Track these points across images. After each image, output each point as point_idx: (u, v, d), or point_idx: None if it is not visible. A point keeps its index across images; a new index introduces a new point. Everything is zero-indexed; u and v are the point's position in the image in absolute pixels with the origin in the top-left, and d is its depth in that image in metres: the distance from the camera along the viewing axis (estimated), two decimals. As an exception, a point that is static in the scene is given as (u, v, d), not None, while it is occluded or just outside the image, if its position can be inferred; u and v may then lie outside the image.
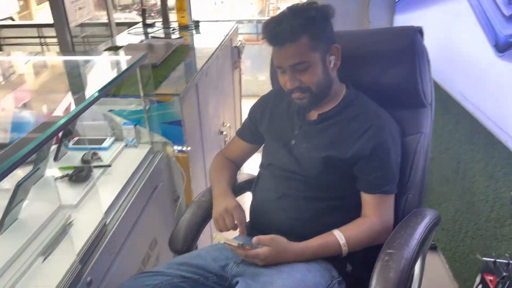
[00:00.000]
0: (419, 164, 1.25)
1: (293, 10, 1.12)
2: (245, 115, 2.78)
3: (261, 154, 1.40)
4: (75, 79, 1.30)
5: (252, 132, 1.39)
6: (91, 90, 1.04)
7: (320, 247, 1.11)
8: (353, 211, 1.19)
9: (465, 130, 1.76)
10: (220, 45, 2.10)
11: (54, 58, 1.62)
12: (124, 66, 1.22)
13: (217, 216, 1.22)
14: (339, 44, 1.17)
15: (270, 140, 1.32)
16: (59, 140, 1.31)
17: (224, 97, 2.25)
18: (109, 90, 1.07)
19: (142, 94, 1.41)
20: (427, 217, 1.13)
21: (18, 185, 0.91)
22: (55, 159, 1.31)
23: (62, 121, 0.90)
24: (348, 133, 1.17)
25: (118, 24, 3.41)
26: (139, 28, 2.56)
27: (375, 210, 1.15)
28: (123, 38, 2.36)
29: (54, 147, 1.34)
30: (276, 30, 1.10)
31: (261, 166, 1.36)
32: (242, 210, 1.23)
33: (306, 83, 1.13)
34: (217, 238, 1.09)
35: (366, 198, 1.17)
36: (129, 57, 1.31)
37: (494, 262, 1.07)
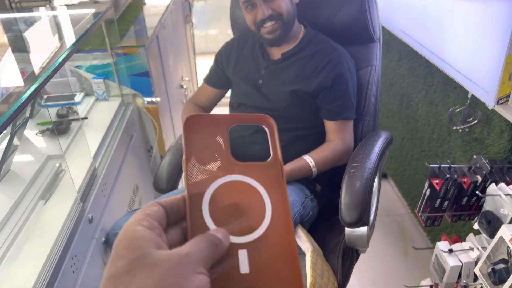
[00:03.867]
0: (372, 93, 1.41)
1: None
2: (199, 70, 2.84)
3: (230, 96, 1.50)
4: (41, 35, 1.30)
5: (219, 78, 1.47)
6: (63, 45, 1.07)
7: (293, 170, 1.25)
8: (319, 139, 1.33)
9: (407, 65, 1.95)
10: (172, -1, 2.11)
11: (4, 16, 1.57)
12: (90, 20, 1.24)
13: None
14: (295, -14, 1.27)
15: (238, 82, 1.41)
16: (31, 97, 1.32)
17: (180, 52, 2.29)
18: (81, 44, 1.10)
19: (109, 47, 1.43)
20: (383, 136, 1.30)
21: (14, 133, 0.95)
22: (30, 116, 1.33)
23: (44, 76, 0.93)
24: (310, 68, 1.29)
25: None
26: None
27: (337, 135, 1.30)
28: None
29: (25, 106, 1.35)
30: None
31: (232, 107, 1.46)
32: None
33: (277, 9, 1.23)
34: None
35: (329, 125, 1.31)
36: (92, 10, 1.32)
37: (439, 167, 1.27)
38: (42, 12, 1.51)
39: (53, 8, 1.62)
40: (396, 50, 2.02)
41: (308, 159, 1.26)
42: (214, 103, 1.55)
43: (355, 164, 1.16)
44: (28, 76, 0.94)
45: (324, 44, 1.33)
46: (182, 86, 2.21)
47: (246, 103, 1.38)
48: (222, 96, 1.54)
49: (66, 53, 0.98)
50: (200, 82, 2.58)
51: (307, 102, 1.31)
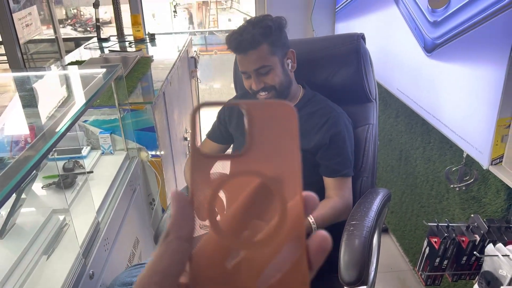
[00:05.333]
0: (369, 151, 1.45)
1: (252, 22, 1.29)
2: (203, 123, 2.91)
3: (231, 151, 1.54)
4: (53, 94, 1.37)
5: (222, 133, 1.53)
6: (77, 103, 1.13)
7: None
8: (318, 195, 1.35)
9: (404, 121, 2.01)
10: (179, 55, 2.22)
11: (18, 74, 1.67)
12: (101, 78, 1.32)
13: None
14: (294, 49, 1.35)
15: (239, 138, 1.46)
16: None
17: (185, 105, 2.37)
18: (94, 101, 1.16)
19: (117, 104, 1.50)
20: (381, 194, 1.33)
21: (23, 189, 0.99)
22: (37, 170, 1.37)
23: (61, 131, 0.98)
24: (309, 127, 1.35)
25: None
26: (94, 43, 2.61)
27: (336, 191, 1.33)
28: (80, 53, 2.40)
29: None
30: (239, 40, 1.26)
31: (233, 162, 1.51)
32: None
33: (270, 83, 1.30)
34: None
35: (328, 182, 1.35)
36: (103, 70, 1.40)
37: (437, 226, 1.29)
38: (55, 72, 1.60)
39: (64, 68, 1.71)
40: (393, 107, 2.09)
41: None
42: (216, 157, 1.60)
43: (353, 222, 1.18)
44: (41, 136, 0.98)
45: (322, 104, 1.39)
46: (185, 139, 2.27)
47: (248, 159, 1.42)
48: (224, 151, 1.59)
49: (77, 113, 1.03)
50: (204, 133, 2.63)
51: (306, 159, 1.35)
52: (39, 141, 0.95)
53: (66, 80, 1.50)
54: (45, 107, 1.37)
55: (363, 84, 1.45)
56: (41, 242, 1.06)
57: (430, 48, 1.54)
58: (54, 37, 3.49)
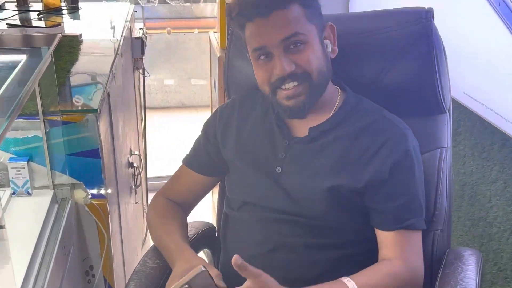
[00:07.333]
0: (444, 189, 1.39)
1: None
2: (150, 137, 2.78)
3: (225, 189, 1.44)
4: None
5: (210, 158, 1.42)
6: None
7: None
8: (370, 258, 1.27)
9: (470, 141, 1.98)
10: (122, 35, 2.11)
11: None
12: (24, 71, 1.19)
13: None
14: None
15: (241, 168, 1.36)
16: None
17: (129, 111, 2.26)
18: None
19: (41, 113, 1.37)
20: (473, 260, 1.26)
21: None
22: None
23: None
24: (357, 153, 1.26)
25: None
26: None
27: (397, 251, 1.22)
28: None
29: None
30: None
31: (229, 206, 1.40)
32: (213, 269, 1.24)
33: (304, 66, 1.20)
34: None
35: (385, 237, 1.24)
36: (23, 56, 1.28)
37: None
38: None
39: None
40: (454, 119, 2.06)
41: (350, 283, 1.17)
42: (198, 198, 1.50)
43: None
44: None
45: (375, 116, 1.31)
46: (131, 165, 2.14)
47: (256, 203, 1.32)
48: (212, 186, 1.50)
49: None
50: (151, 156, 2.49)
51: (352, 204, 1.27)
52: None
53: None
54: None
55: (435, 87, 1.38)
56: None
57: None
58: None
